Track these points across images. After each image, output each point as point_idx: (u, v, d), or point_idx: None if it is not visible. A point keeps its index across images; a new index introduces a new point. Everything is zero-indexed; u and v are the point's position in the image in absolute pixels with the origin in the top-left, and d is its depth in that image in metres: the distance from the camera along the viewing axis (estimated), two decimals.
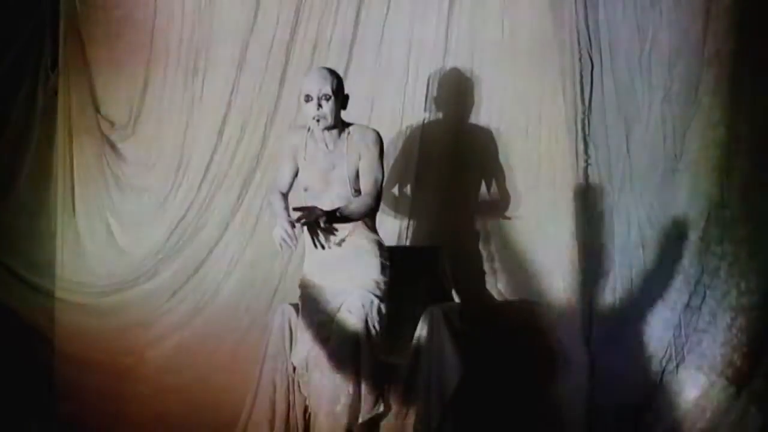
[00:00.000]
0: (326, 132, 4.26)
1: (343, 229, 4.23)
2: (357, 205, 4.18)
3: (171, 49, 5.24)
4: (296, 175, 4.38)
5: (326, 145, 4.30)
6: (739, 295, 4.65)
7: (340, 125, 4.29)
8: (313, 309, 4.26)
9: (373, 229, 4.37)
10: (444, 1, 5.03)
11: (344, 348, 4.14)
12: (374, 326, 4.19)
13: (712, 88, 4.70)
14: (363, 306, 4.17)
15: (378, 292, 4.25)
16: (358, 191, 4.26)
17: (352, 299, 4.18)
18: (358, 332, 4.14)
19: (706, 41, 4.70)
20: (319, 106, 4.17)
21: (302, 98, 4.21)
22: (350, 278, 4.24)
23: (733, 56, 4.66)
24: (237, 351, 5.06)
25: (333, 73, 4.26)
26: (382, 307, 4.25)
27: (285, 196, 4.39)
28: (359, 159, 4.26)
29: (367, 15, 5.11)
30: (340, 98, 4.24)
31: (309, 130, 4.31)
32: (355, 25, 5.11)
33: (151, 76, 5.27)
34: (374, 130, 4.33)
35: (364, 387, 4.16)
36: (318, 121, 4.19)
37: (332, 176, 4.28)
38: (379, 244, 4.36)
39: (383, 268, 4.31)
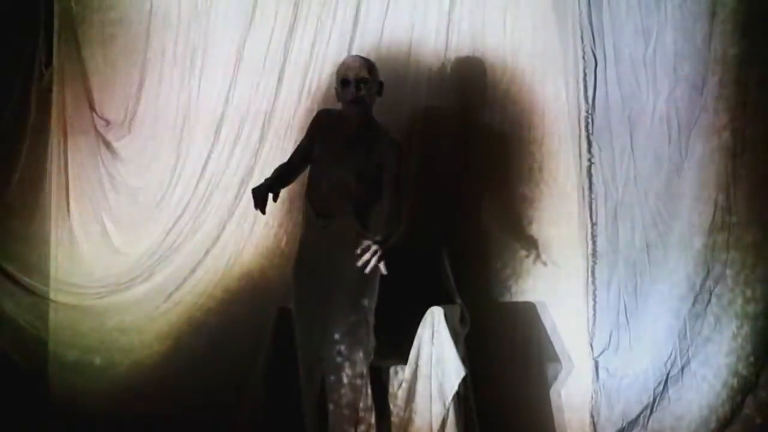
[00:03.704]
0: (356, 119, 4.28)
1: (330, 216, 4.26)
2: (394, 229, 4.19)
3: (167, 49, 5.20)
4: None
5: (350, 128, 4.31)
6: (744, 302, 4.64)
7: (371, 116, 4.33)
8: (303, 342, 4.30)
9: (364, 225, 4.34)
10: None
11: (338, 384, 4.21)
12: (362, 357, 4.23)
13: (718, 91, 4.67)
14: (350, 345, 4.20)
15: (365, 304, 4.25)
16: (359, 182, 4.25)
17: (340, 334, 4.20)
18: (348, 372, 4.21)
19: (711, 43, 4.68)
20: (358, 89, 4.23)
21: (338, 84, 4.28)
22: (339, 285, 4.23)
23: (738, 59, 4.63)
24: (235, 352, 5.01)
25: (368, 60, 4.35)
26: (371, 321, 4.26)
27: (292, 167, 4.43)
28: (376, 162, 4.25)
29: (367, 13, 5.06)
30: (376, 85, 4.31)
31: (340, 113, 4.35)
32: (354, 23, 5.06)
33: (147, 74, 5.22)
34: (397, 145, 4.33)
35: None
36: (357, 103, 4.23)
37: (342, 158, 4.29)
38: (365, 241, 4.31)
39: (370, 281, 4.27)
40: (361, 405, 4.23)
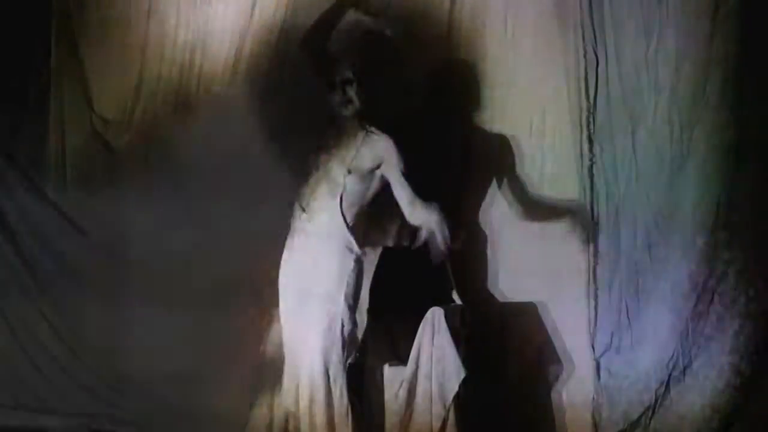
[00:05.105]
0: (348, 117, 4.30)
1: (318, 211, 4.25)
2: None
3: (166, 48, 5.19)
4: None
5: (341, 128, 4.33)
6: (747, 301, 4.61)
7: (364, 110, 4.34)
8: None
9: (350, 225, 4.32)
10: None
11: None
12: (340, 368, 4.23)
13: (720, 89, 4.65)
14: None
15: (344, 305, 4.24)
16: (348, 175, 4.25)
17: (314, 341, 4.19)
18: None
19: (713, 42, 4.65)
20: (344, 91, 4.23)
21: (324, 86, 4.31)
22: (318, 279, 4.23)
23: (741, 58, 4.61)
24: (235, 352, 4.99)
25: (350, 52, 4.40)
26: (347, 323, 4.24)
27: None
28: (369, 157, 4.27)
29: (367, 11, 5.03)
30: (363, 80, 4.32)
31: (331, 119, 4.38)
32: None
33: (145, 74, 5.21)
34: (390, 139, 4.33)
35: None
36: (346, 105, 4.22)
37: (332, 151, 4.28)
38: (347, 241, 4.30)
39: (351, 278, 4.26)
40: (336, 406, 4.20)
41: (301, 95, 4.83)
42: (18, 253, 5.17)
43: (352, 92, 4.27)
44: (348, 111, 4.29)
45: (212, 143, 5.03)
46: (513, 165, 4.94)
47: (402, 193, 4.31)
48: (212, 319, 4.96)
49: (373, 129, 4.36)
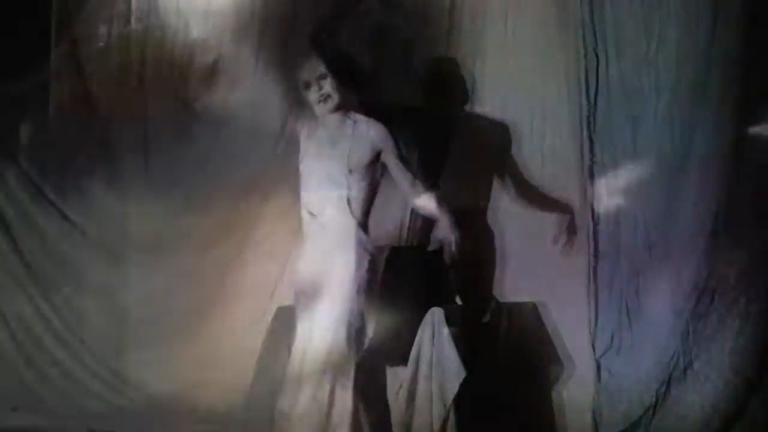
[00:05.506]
0: (330, 114, 4.23)
1: (326, 214, 4.20)
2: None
3: (166, 48, 5.19)
4: None
5: (328, 125, 4.27)
6: (747, 302, 4.60)
7: (347, 103, 4.26)
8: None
9: (362, 223, 4.29)
10: None
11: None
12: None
13: (720, 89, 4.65)
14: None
15: (355, 305, 4.17)
16: (351, 173, 4.20)
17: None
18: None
19: (714, 41, 4.65)
20: (320, 87, 4.16)
21: (300, 88, 4.21)
22: (326, 283, 4.18)
23: (741, 57, 4.61)
24: (235, 351, 5.00)
25: (320, 48, 4.31)
26: (356, 322, 4.16)
27: None
28: (368, 146, 4.21)
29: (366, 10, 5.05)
30: (338, 74, 4.23)
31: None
32: None
33: (145, 74, 5.21)
34: (381, 125, 4.28)
35: None
36: (324, 101, 4.17)
37: (329, 153, 4.23)
38: (360, 240, 4.28)
39: (365, 275, 4.24)
40: (338, 406, 4.17)
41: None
42: (17, 253, 5.16)
43: (328, 86, 4.26)
44: (328, 106, 4.26)
45: (213, 143, 5.03)
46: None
47: (401, 177, 4.27)
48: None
49: (356, 117, 4.32)
